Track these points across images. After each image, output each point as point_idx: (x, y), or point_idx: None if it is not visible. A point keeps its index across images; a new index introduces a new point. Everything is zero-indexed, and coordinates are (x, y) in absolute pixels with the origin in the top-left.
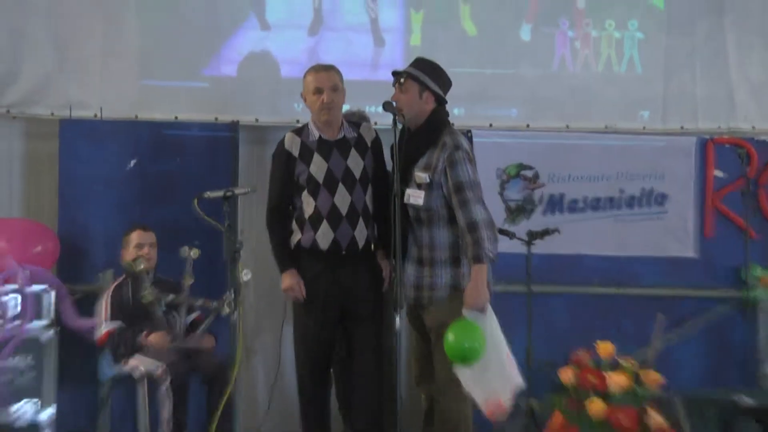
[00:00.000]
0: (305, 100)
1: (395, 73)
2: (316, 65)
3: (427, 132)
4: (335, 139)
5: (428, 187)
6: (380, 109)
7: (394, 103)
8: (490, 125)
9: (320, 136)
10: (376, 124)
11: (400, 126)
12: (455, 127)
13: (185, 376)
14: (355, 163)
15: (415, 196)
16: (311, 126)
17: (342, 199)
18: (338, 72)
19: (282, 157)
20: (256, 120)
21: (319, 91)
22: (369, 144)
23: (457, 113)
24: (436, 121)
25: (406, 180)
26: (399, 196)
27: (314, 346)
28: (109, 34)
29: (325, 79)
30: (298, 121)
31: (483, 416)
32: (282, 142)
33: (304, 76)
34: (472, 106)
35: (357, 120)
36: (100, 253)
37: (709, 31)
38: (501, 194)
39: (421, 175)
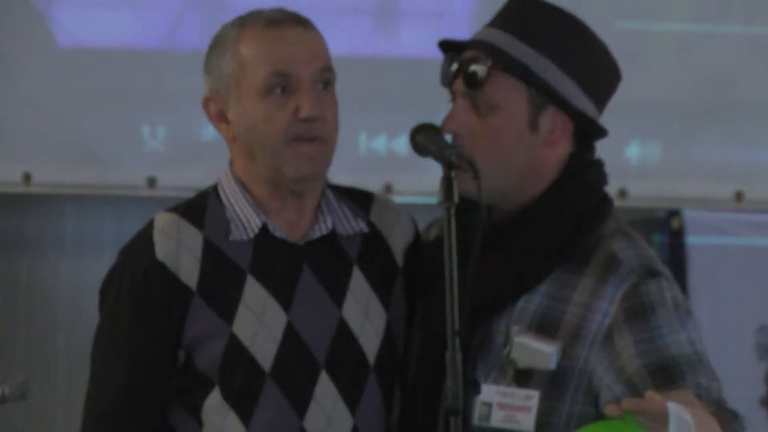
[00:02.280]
0: (221, 116)
1: (448, 45)
2: (266, 12)
3: (549, 226)
4: (306, 238)
5: (552, 382)
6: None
7: (448, 139)
8: (738, 195)
9: (265, 228)
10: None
11: (458, 210)
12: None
13: None
14: (365, 308)
15: (510, 408)
16: (232, 194)
17: (326, 417)
18: (319, 33)
19: (143, 294)
20: None
21: (282, 83)
22: (399, 253)
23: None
24: (577, 197)
25: (483, 361)
26: (456, 405)
27: None
28: None
29: (302, 49)
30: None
31: None
32: (140, 246)
33: (221, 41)
34: (681, 142)
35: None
36: None
37: None
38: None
39: (534, 348)
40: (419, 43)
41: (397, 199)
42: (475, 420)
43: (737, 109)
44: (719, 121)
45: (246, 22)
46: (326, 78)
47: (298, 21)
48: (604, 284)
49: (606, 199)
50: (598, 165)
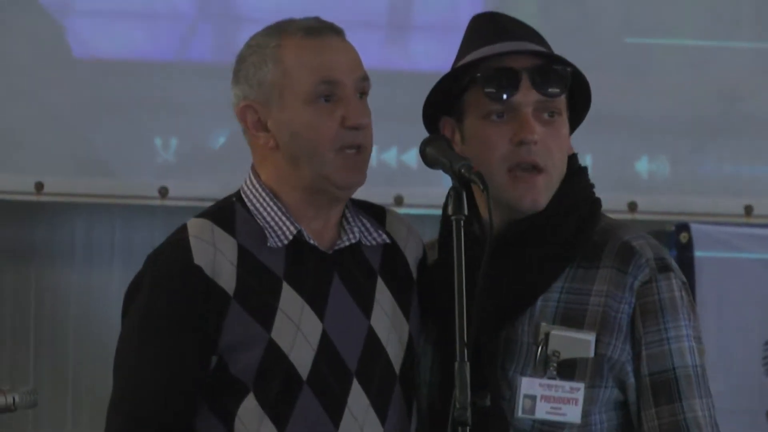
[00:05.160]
0: (260, 124)
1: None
2: (302, 21)
3: (560, 227)
4: (333, 247)
5: (594, 371)
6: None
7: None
8: (747, 209)
9: (299, 236)
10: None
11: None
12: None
13: None
14: (390, 319)
15: (555, 399)
16: (261, 203)
17: (359, 426)
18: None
19: (180, 298)
20: None
21: (328, 92)
22: (413, 266)
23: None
24: (581, 197)
25: (513, 362)
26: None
27: None
28: None
29: (345, 58)
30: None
31: None
32: (175, 251)
33: (258, 49)
34: (690, 156)
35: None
36: None
37: None
38: None
39: (574, 338)
40: (430, 57)
41: (408, 211)
42: (519, 413)
43: (746, 124)
44: (728, 136)
45: (284, 30)
46: (364, 87)
47: (335, 30)
48: (623, 274)
49: (597, 199)
50: (585, 168)
